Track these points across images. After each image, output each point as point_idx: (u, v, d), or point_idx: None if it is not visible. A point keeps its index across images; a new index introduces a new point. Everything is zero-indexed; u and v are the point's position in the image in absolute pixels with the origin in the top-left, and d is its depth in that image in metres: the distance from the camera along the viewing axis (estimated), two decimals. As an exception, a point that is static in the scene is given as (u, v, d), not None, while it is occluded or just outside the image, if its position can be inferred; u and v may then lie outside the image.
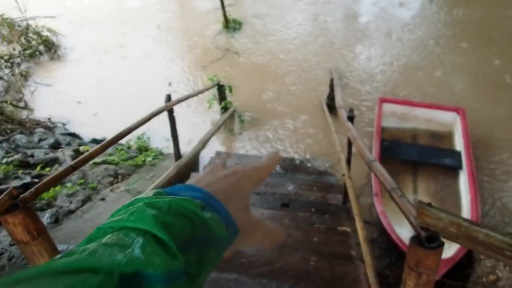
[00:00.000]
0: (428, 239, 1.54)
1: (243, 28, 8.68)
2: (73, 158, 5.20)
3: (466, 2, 8.53)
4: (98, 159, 5.11)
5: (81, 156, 2.25)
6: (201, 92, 5.66)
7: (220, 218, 0.46)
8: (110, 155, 5.56)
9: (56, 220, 3.52)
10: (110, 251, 0.35)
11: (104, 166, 5.01)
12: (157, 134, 6.37)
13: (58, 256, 0.36)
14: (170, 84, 7.54)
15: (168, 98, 4.05)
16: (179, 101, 4.35)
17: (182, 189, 0.48)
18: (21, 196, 1.78)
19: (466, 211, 4.67)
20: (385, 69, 7.34)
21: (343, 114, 3.94)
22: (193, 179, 0.53)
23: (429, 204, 1.56)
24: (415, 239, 1.57)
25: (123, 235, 0.38)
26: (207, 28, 8.91)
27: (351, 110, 3.80)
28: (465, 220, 1.44)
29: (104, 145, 2.54)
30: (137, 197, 0.44)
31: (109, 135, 6.35)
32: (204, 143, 4.69)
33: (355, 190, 3.83)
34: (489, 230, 1.40)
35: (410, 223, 1.68)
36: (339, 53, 7.82)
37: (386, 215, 4.42)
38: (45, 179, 1.94)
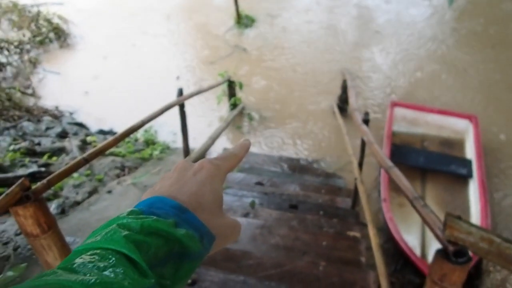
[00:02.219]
0: (456, 254, 1.48)
1: (255, 25, 8.60)
2: (80, 148, 5.15)
3: (483, 8, 8.44)
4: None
5: (94, 149, 2.19)
6: (213, 87, 5.59)
7: (194, 231, 0.47)
8: (117, 147, 5.51)
9: (63, 211, 3.47)
10: (82, 272, 0.36)
11: (111, 158, 4.96)
12: (164, 128, 6.33)
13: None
14: (178, 77, 7.49)
15: (180, 92, 3.99)
16: (192, 95, 4.28)
17: (156, 204, 0.48)
18: (33, 187, 1.72)
19: (475, 222, 4.60)
20: (397, 72, 7.26)
21: (358, 117, 3.88)
22: (165, 185, 0.53)
23: (458, 217, 1.50)
24: (442, 253, 1.51)
25: (95, 256, 0.39)
26: (219, 22, 8.83)
27: (366, 113, 3.74)
28: (498, 236, 1.38)
29: (117, 138, 2.48)
30: (111, 219, 0.45)
31: (116, 126, 6.45)
32: (214, 140, 4.63)
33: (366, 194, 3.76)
34: (522, 248, 1.34)
35: (436, 235, 1.61)
36: (352, 54, 7.74)
37: (394, 221, 4.36)
38: (58, 171, 1.88)
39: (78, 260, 0.38)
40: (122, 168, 4.80)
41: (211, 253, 0.51)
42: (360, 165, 4.04)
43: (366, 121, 3.65)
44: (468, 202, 5.11)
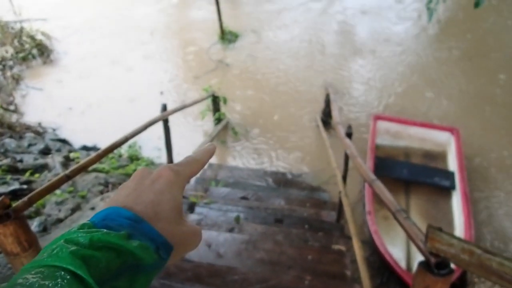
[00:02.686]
0: (438, 266, 1.49)
1: (239, 41, 8.66)
2: (63, 164, 5.10)
3: (462, 22, 8.62)
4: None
5: (76, 165, 2.18)
6: (197, 102, 5.60)
7: (149, 242, 0.46)
8: (100, 163, 5.47)
9: (45, 229, 3.42)
10: None
11: (94, 174, 4.91)
12: (149, 143, 6.30)
13: None
14: (161, 93, 7.47)
15: (164, 107, 3.98)
16: (175, 110, 4.28)
17: (110, 215, 0.47)
18: (14, 205, 1.70)
19: (459, 233, 4.64)
20: (379, 86, 7.35)
21: (341, 130, 3.91)
22: (121, 195, 0.52)
23: (440, 229, 1.52)
24: (424, 265, 1.52)
25: (39, 274, 0.37)
26: (203, 38, 8.87)
27: (349, 127, 3.77)
28: (478, 247, 1.40)
29: (99, 154, 2.46)
30: (61, 235, 0.44)
31: (99, 142, 6.42)
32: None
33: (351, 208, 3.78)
34: (503, 258, 1.35)
35: (418, 247, 1.62)
36: (335, 69, 7.83)
37: (379, 234, 4.38)
38: (39, 188, 1.86)
39: (20, 280, 0.37)
40: (106, 184, 4.76)
41: (170, 263, 0.50)
42: (344, 178, 4.06)
43: (349, 135, 3.68)
44: (451, 213, 5.15)
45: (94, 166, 5.10)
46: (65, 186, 4.42)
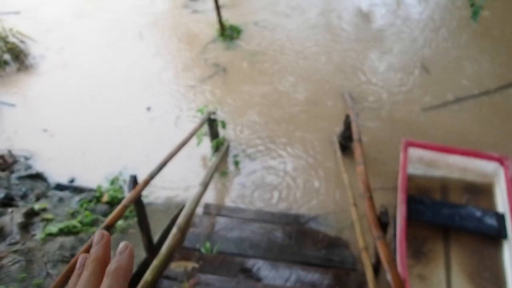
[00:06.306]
0: None
1: (242, 37, 7.46)
2: (23, 227, 4.14)
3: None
4: (54, 228, 4.05)
5: None
6: (189, 138, 4.48)
7: None
8: (72, 214, 4.51)
9: None
10: None
11: (60, 240, 3.92)
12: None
13: None
14: (149, 108, 6.32)
15: (134, 180, 2.94)
16: (152, 176, 3.24)
17: None
18: None
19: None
20: (405, 95, 6.25)
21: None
22: None
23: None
24: None
25: None
26: (198, 35, 7.68)
27: (385, 213, 2.73)
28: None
29: None
30: None
31: (78, 174, 5.43)
32: (196, 202, 3.64)
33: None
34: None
35: None
36: (352, 71, 6.64)
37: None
38: None
39: None
40: (73, 256, 3.77)
41: None
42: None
43: (384, 224, 2.65)
44: (503, 269, 4.20)
45: (62, 225, 4.15)
46: (16, 270, 3.46)
